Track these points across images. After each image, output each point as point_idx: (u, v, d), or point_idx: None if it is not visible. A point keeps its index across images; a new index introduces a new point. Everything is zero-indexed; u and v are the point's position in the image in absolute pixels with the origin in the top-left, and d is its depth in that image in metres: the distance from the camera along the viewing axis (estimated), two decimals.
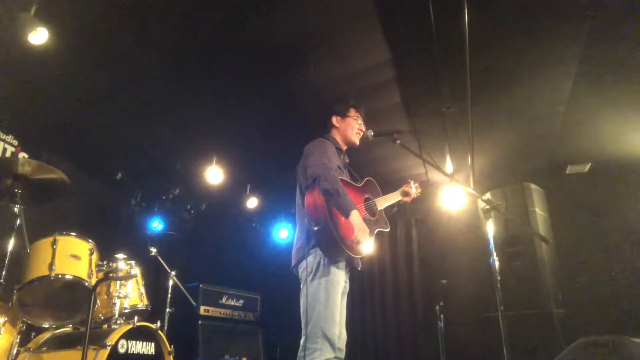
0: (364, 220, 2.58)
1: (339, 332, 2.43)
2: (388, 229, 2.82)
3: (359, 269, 2.63)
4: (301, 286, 2.47)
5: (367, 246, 2.49)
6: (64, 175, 3.08)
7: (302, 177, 2.55)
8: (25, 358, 2.86)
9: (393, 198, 2.96)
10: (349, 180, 2.68)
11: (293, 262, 2.57)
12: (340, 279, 2.44)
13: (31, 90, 3.99)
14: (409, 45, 3.57)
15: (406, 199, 3.05)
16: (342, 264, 2.48)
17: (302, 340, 2.34)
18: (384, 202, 2.84)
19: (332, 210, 2.36)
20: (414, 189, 3.10)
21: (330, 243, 2.36)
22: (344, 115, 2.89)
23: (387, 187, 3.03)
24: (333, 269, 2.40)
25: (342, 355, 2.44)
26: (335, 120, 2.89)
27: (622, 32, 3.29)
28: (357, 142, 2.90)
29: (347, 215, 2.30)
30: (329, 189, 2.32)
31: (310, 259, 2.43)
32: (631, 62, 3.57)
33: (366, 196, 2.76)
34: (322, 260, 2.40)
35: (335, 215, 2.35)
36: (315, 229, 2.39)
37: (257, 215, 6.64)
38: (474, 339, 5.00)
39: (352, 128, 2.86)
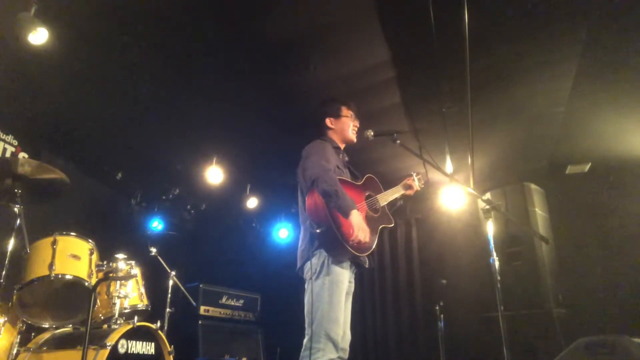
0: (367, 217, 2.59)
1: (343, 332, 2.43)
2: (392, 224, 2.81)
3: (367, 266, 2.63)
4: (305, 286, 2.48)
5: (370, 244, 2.49)
6: (63, 175, 3.08)
7: (302, 180, 2.55)
8: (25, 358, 2.86)
9: (395, 193, 2.93)
10: (348, 180, 2.68)
11: (298, 264, 2.57)
12: (344, 278, 2.44)
13: (31, 90, 3.99)
14: (409, 45, 3.56)
15: (409, 192, 3.01)
16: (347, 264, 2.48)
17: (305, 340, 2.35)
18: (386, 198, 2.83)
19: (333, 211, 2.36)
20: (417, 182, 3.05)
21: (334, 244, 2.36)
22: (337, 115, 2.88)
23: (388, 187, 3.02)
24: (337, 269, 2.40)
25: (346, 355, 2.43)
26: (329, 121, 2.88)
27: (623, 31, 3.29)
28: (355, 139, 2.90)
29: (346, 216, 2.30)
30: (328, 190, 2.33)
31: (314, 260, 2.43)
32: (631, 62, 3.57)
33: (367, 193, 2.76)
34: (325, 261, 2.40)
35: (336, 216, 2.36)
36: (318, 231, 2.40)
37: (257, 215, 6.64)
38: (474, 339, 5.00)
39: (347, 126, 2.86)
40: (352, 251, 2.35)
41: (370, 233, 2.55)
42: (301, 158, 2.63)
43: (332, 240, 2.36)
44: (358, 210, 2.51)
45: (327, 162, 2.51)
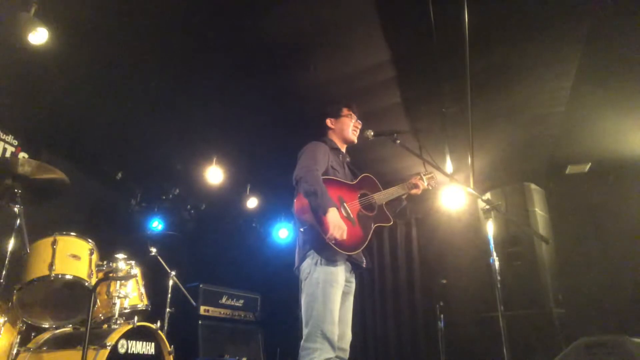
0: (358, 216, 2.59)
1: (343, 332, 2.43)
2: (390, 223, 2.80)
3: (364, 266, 2.63)
4: (302, 287, 2.49)
5: (357, 242, 2.49)
6: (64, 175, 3.08)
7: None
8: (25, 358, 2.85)
9: (395, 192, 2.89)
10: (341, 179, 2.68)
11: (296, 264, 2.59)
12: (338, 278, 2.44)
13: (31, 90, 3.99)
14: (409, 45, 3.57)
15: (415, 191, 2.95)
16: (341, 263, 2.48)
17: (302, 340, 2.35)
18: (384, 197, 2.82)
19: (316, 210, 2.37)
20: (425, 181, 2.99)
21: (320, 243, 2.38)
22: (337, 115, 2.89)
23: (387, 187, 3.01)
24: (330, 269, 2.41)
25: (345, 355, 2.44)
26: (329, 122, 2.89)
27: (623, 31, 3.29)
28: (356, 140, 2.90)
29: (324, 214, 2.31)
30: (307, 190, 2.37)
31: (308, 260, 2.45)
32: (631, 62, 3.57)
33: (362, 192, 2.75)
34: (319, 261, 2.41)
35: (319, 215, 2.36)
36: (302, 230, 2.45)
37: (257, 215, 6.64)
38: (474, 339, 5.00)
39: (347, 127, 2.86)
40: (338, 249, 2.35)
41: (361, 231, 2.56)
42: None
43: (316, 239, 2.38)
44: (348, 209, 2.53)
45: (314, 162, 2.53)
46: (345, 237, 2.32)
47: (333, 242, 2.31)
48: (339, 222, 2.31)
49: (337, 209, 2.37)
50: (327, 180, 2.52)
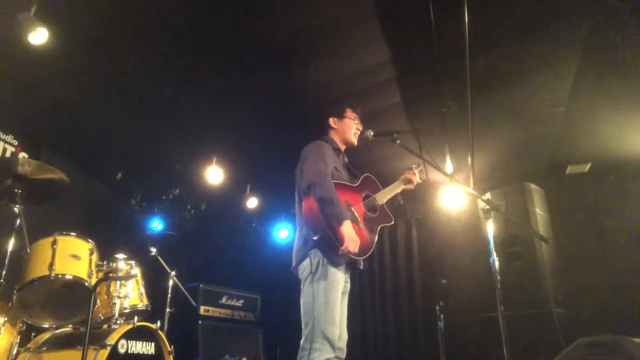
0: (364, 218, 2.59)
1: (340, 332, 2.42)
2: (392, 222, 2.80)
3: (361, 267, 2.63)
4: (301, 287, 2.48)
5: (367, 247, 2.49)
6: (64, 175, 3.08)
7: (300, 182, 2.56)
8: (25, 358, 2.85)
9: (394, 189, 2.89)
10: (345, 182, 2.66)
11: (293, 264, 2.57)
12: (339, 279, 2.44)
13: (31, 90, 3.99)
14: (409, 45, 3.57)
15: (409, 186, 2.96)
16: (342, 265, 2.48)
17: (302, 341, 2.35)
18: (384, 196, 2.82)
19: (328, 217, 2.36)
20: (417, 175, 3.00)
21: (329, 247, 2.37)
22: (340, 116, 2.88)
23: (387, 187, 3.01)
24: (332, 270, 2.40)
25: (343, 355, 2.43)
26: (332, 121, 2.88)
27: (623, 32, 3.29)
28: (356, 142, 2.90)
29: (339, 225, 2.31)
30: (323, 197, 2.34)
31: (309, 260, 2.43)
32: (631, 62, 3.57)
33: (365, 194, 2.74)
34: (321, 261, 2.40)
35: (331, 222, 2.36)
36: (315, 238, 2.40)
37: (257, 215, 6.65)
38: (474, 339, 5.01)
39: (349, 128, 2.86)
40: (349, 254, 2.35)
41: (368, 235, 2.56)
42: (300, 158, 2.63)
43: (328, 245, 2.37)
44: (355, 213, 2.53)
45: (325, 165, 2.51)
46: (357, 250, 2.33)
47: (347, 253, 2.31)
48: (354, 236, 2.32)
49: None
50: (334, 185, 2.49)
